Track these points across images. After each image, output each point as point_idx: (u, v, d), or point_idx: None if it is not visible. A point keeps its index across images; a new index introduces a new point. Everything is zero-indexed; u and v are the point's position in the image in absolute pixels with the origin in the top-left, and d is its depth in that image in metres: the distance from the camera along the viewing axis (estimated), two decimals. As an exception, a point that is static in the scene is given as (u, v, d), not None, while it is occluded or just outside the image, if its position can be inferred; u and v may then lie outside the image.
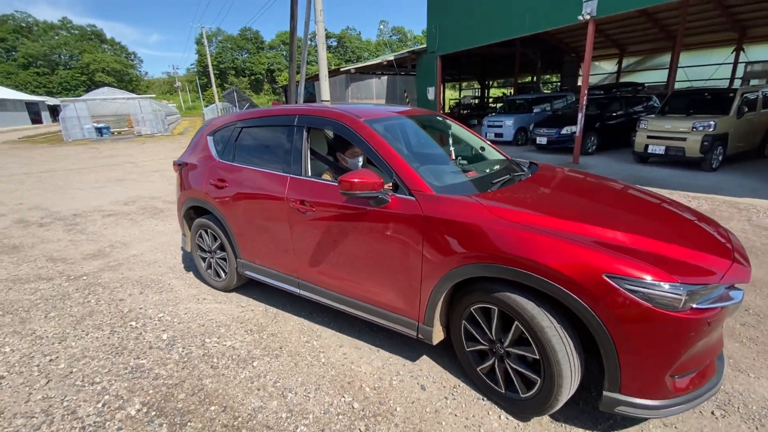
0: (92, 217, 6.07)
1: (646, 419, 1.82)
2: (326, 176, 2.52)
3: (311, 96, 19.48)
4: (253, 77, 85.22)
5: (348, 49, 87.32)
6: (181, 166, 3.45)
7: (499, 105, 22.58)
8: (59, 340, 2.74)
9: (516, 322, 1.73)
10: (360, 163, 2.62)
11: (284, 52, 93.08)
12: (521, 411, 1.87)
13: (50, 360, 2.49)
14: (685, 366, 1.56)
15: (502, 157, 2.89)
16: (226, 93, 33.27)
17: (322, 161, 2.75)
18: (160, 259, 4.24)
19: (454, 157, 2.87)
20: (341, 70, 14.40)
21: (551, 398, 1.69)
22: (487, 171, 2.45)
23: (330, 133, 3.01)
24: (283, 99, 30.50)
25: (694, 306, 1.46)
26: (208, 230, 3.25)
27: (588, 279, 1.47)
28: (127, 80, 70.18)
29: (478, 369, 1.99)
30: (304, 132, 2.50)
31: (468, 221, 1.77)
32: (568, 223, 1.68)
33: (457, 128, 3.11)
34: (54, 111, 48.36)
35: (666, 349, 1.48)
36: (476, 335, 1.94)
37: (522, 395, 1.82)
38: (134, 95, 28.18)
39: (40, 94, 54.35)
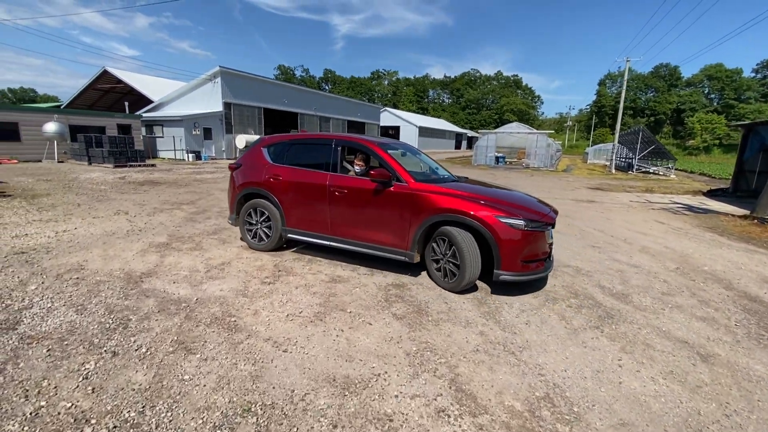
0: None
1: (513, 282, 3.83)
2: (350, 173, 4.53)
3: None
4: (652, 118, 73.02)
5: None
6: (237, 167, 5.27)
7: None
8: None
9: (452, 245, 3.75)
10: (364, 169, 4.50)
11: (707, 88, 72.38)
12: (449, 289, 3.87)
13: None
14: (527, 257, 3.62)
15: (448, 174, 5.18)
16: (627, 132, 28.92)
17: (346, 165, 4.74)
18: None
19: (423, 169, 5.37)
20: None
21: (461, 281, 3.71)
22: (441, 176, 4.92)
23: (348, 149, 4.87)
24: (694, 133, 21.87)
25: (527, 229, 3.56)
26: (257, 209, 4.96)
27: (489, 218, 3.58)
28: (526, 119, 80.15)
29: (434, 269, 4.03)
30: (340, 149, 4.53)
31: (430, 195, 3.89)
32: (472, 195, 3.90)
33: (424, 156, 5.59)
34: (469, 141, 62.45)
35: (517, 247, 3.56)
36: (435, 252, 3.97)
37: (450, 281, 3.83)
38: (535, 130, 30.14)
39: (466, 129, 72.46)
